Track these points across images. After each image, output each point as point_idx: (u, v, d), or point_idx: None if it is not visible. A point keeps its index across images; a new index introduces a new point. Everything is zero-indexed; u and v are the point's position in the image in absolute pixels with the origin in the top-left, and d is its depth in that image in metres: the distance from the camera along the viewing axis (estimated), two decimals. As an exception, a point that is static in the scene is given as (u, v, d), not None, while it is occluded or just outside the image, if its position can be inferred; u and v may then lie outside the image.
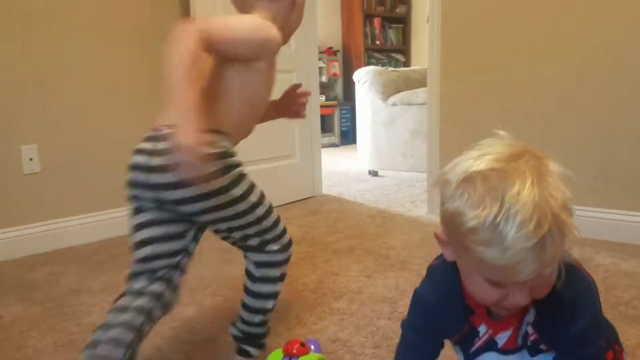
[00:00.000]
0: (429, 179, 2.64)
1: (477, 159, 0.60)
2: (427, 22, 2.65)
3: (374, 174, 3.95)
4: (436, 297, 0.77)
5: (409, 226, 2.42)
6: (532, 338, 0.72)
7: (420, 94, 3.69)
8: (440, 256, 0.77)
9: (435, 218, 2.50)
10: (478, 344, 0.75)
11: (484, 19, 2.35)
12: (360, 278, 1.76)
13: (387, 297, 1.58)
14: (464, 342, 0.77)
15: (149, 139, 0.95)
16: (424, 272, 1.73)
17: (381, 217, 2.62)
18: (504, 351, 0.74)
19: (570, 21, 2.11)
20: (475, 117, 2.41)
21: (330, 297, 1.60)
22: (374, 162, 4.08)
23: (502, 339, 0.73)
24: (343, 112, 6.12)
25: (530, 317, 0.72)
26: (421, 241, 2.16)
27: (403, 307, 1.50)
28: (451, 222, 0.62)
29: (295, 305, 1.55)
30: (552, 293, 0.65)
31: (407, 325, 0.84)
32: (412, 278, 1.72)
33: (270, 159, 2.89)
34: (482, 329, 0.74)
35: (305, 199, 3.12)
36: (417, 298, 0.81)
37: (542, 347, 0.72)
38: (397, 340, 1.29)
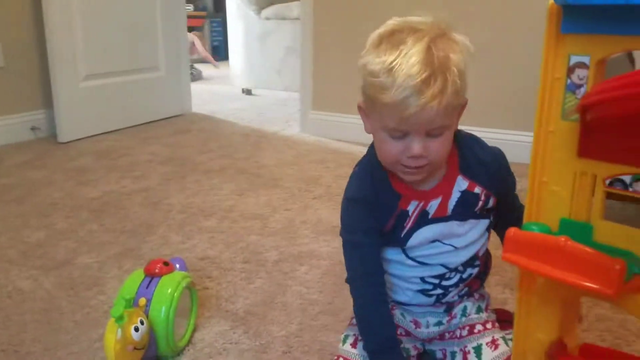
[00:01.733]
0: (302, 98, 2.60)
1: (387, 25, 0.71)
2: None
3: (247, 92, 3.83)
4: (365, 191, 0.78)
5: (283, 145, 2.39)
6: (463, 201, 0.77)
7: (294, 7, 3.54)
8: (359, 162, 0.82)
9: (308, 137, 2.50)
10: (409, 224, 0.78)
11: None
12: (232, 196, 1.71)
13: (258, 214, 1.56)
14: (396, 230, 0.78)
15: None
16: (296, 189, 1.72)
17: (255, 137, 2.55)
18: (435, 220, 0.77)
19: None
20: (351, 32, 2.37)
21: (200, 217, 1.54)
22: (248, 80, 3.93)
23: (433, 206, 0.77)
24: (214, 25, 5.77)
25: (461, 184, 0.77)
26: (294, 159, 2.14)
27: (274, 222, 1.49)
28: (363, 79, 0.71)
29: (161, 227, 1.47)
30: (470, 153, 0.77)
31: (345, 230, 0.82)
32: (284, 195, 1.71)
33: (130, 72, 2.66)
34: (412, 206, 0.77)
35: (172, 117, 2.94)
36: (348, 201, 0.81)
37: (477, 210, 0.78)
38: (267, 253, 1.30)
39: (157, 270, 0.90)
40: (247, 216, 1.54)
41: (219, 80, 4.63)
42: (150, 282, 0.89)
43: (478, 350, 0.78)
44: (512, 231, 0.49)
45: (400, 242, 0.79)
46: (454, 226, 0.78)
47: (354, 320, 0.84)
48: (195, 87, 3.21)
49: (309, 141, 2.44)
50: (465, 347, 0.80)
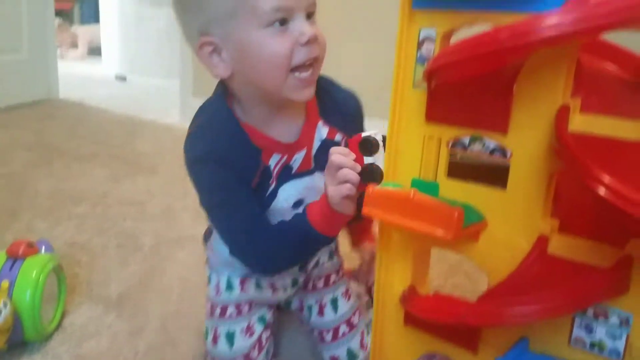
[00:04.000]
0: (182, 84, 2.54)
1: None
2: None
3: (122, 78, 3.65)
4: (218, 146, 0.68)
5: (162, 132, 2.32)
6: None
7: (173, -7, 3.44)
8: (200, 114, 0.72)
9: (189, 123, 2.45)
10: (273, 184, 0.72)
11: None
12: (106, 183, 1.64)
13: (135, 199, 1.51)
14: (260, 189, 0.71)
15: None
16: (175, 175, 1.67)
17: (130, 124, 2.45)
18: (298, 175, 0.73)
19: None
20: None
21: (69, 203, 1.46)
22: (123, 65, 3.75)
23: (297, 161, 0.72)
24: (85, 7, 5.41)
25: (322, 132, 0.74)
26: (173, 146, 2.09)
27: (152, 207, 1.46)
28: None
29: (26, 213, 1.37)
30: (327, 96, 0.74)
31: (206, 196, 0.72)
32: (164, 182, 1.67)
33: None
34: (274, 160, 0.71)
35: (36, 102, 2.72)
36: (198, 162, 0.69)
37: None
38: (144, 238, 1.27)
39: (20, 252, 0.85)
40: (122, 202, 1.49)
41: (90, 65, 4.36)
42: (13, 264, 0.83)
43: (334, 302, 0.83)
44: (371, 188, 0.54)
45: (264, 204, 0.72)
46: (317, 179, 0.73)
47: (216, 310, 0.82)
48: (63, 71, 2.99)
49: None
50: (322, 299, 0.84)
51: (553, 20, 0.38)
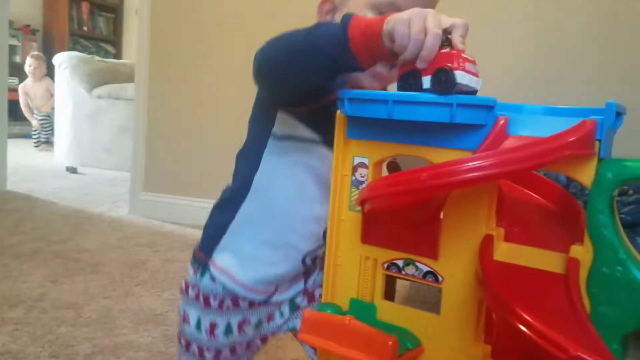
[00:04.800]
0: (132, 178, 2.52)
1: None
2: (136, 13, 2.55)
3: (72, 170, 3.60)
4: None
5: (108, 227, 2.26)
6: None
7: (129, 88, 3.49)
8: None
9: (137, 218, 2.41)
10: None
11: (195, 12, 2.35)
12: (44, 284, 1.56)
13: (72, 302, 1.44)
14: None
15: None
16: (118, 274, 1.62)
17: (76, 218, 2.39)
18: None
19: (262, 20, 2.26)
20: (185, 114, 2.40)
21: (4, 306, 1.38)
22: (74, 157, 3.70)
23: None
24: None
25: None
26: (119, 242, 2.04)
27: (90, 312, 1.39)
28: None
29: (-50, 320, 1.28)
30: None
31: None
32: (104, 282, 1.61)
33: None
34: None
35: (-19, 195, 2.64)
36: None
37: None
38: (78, 346, 1.20)
39: None
40: (59, 305, 1.42)
41: (41, 157, 4.30)
42: None
43: None
44: (308, 312, 0.54)
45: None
46: None
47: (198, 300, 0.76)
48: (13, 162, 2.94)
49: (138, 223, 2.35)
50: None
51: (470, 165, 0.41)
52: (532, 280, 0.45)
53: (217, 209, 0.79)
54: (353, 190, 0.57)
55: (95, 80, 3.66)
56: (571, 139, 0.41)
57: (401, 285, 1.55)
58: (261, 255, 0.75)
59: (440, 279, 0.52)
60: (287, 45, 0.59)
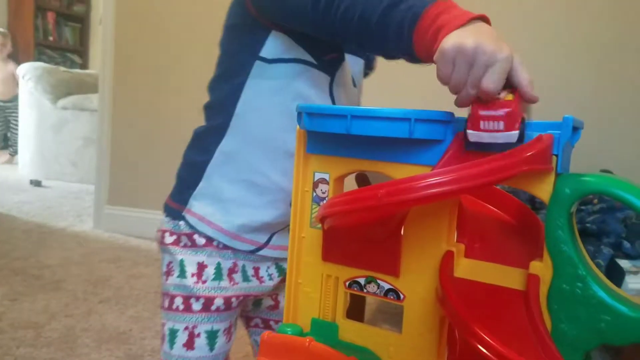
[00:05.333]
0: (97, 191, 2.46)
1: None
2: (100, 23, 2.50)
3: (36, 183, 3.50)
4: None
5: (71, 242, 2.20)
6: None
7: (94, 99, 3.42)
8: None
9: (102, 233, 2.35)
10: None
11: (160, 22, 2.32)
12: (3, 302, 1.50)
13: (32, 322, 1.39)
14: None
15: None
16: (81, 292, 1.58)
17: (39, 233, 2.31)
18: None
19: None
20: (151, 124, 2.35)
21: (-44, 329, 1.32)
22: (38, 170, 3.60)
23: None
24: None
25: None
26: (82, 258, 1.98)
27: (50, 331, 1.34)
28: None
29: None
30: None
31: None
32: (66, 299, 1.55)
33: None
34: None
35: (-63, 210, 2.54)
36: None
37: None
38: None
39: None
40: (18, 325, 1.36)
41: (5, 169, 4.17)
42: None
43: None
44: (266, 335, 0.52)
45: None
46: None
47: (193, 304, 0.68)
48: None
49: (102, 238, 2.29)
50: None
51: (427, 181, 0.40)
52: (493, 297, 0.44)
53: (191, 150, 0.72)
54: (314, 206, 0.56)
55: (60, 91, 3.59)
56: (528, 154, 0.41)
57: (371, 297, 1.54)
58: (243, 197, 0.68)
59: (402, 296, 0.51)
60: (361, 13, 0.53)
